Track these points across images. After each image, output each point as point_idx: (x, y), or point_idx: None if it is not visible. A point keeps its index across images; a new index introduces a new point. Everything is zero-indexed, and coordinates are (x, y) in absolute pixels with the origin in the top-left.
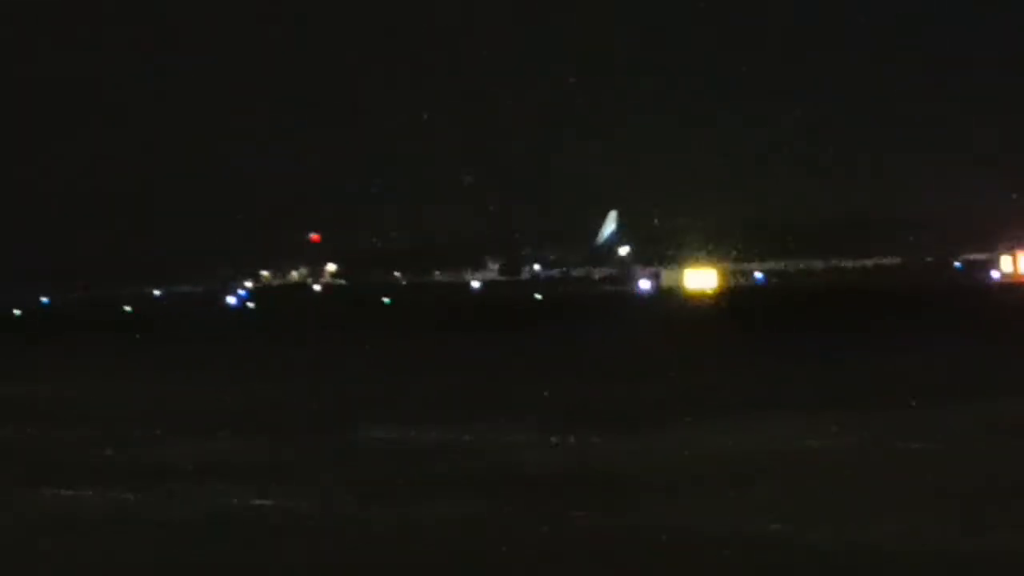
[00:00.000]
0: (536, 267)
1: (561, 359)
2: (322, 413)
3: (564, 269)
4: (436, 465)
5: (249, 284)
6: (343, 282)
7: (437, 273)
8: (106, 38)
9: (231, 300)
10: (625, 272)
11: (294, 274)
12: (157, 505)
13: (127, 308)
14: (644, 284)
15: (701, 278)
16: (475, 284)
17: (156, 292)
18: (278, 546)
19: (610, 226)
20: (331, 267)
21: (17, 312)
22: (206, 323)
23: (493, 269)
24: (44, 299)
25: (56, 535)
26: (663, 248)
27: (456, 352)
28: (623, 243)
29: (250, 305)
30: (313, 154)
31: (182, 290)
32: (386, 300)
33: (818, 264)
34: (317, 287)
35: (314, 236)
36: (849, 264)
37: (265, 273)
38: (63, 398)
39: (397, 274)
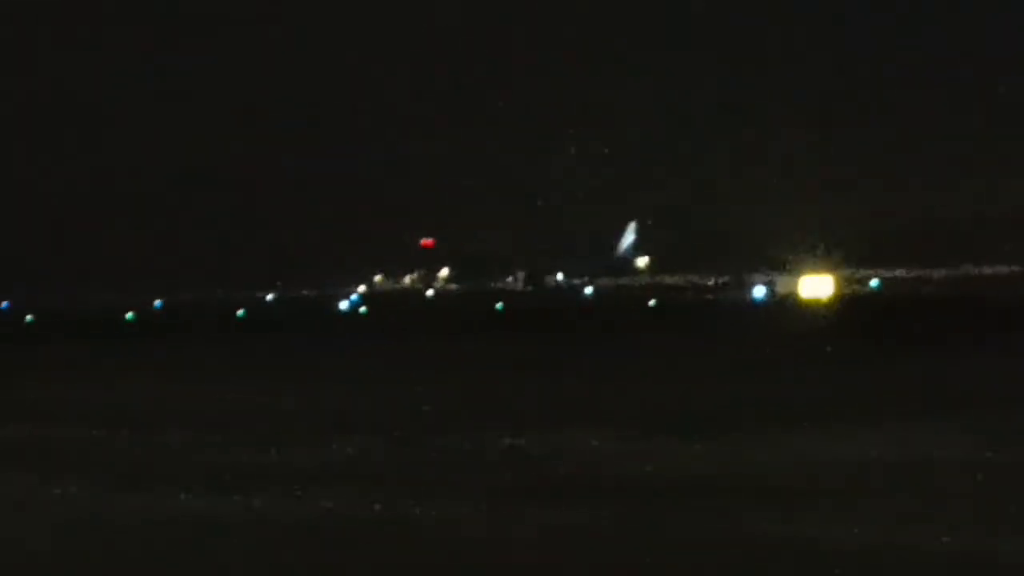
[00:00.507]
0: (560, 277)
1: (677, 365)
2: (438, 417)
3: (585, 279)
4: (548, 470)
5: (362, 288)
6: (455, 287)
7: (551, 278)
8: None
9: (343, 305)
10: (739, 279)
11: (407, 279)
12: (286, 509)
13: (239, 312)
14: (758, 291)
15: (817, 285)
16: (588, 290)
17: (268, 296)
18: (386, 549)
19: (630, 237)
20: (444, 272)
21: (129, 315)
22: (318, 328)
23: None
24: (157, 302)
25: (197, 539)
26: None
27: (571, 357)
28: (641, 253)
29: (362, 310)
30: (428, 159)
31: (293, 295)
32: (498, 306)
33: (939, 272)
34: (430, 292)
35: (427, 241)
36: (969, 271)
37: (378, 278)
38: (184, 402)
39: (510, 280)
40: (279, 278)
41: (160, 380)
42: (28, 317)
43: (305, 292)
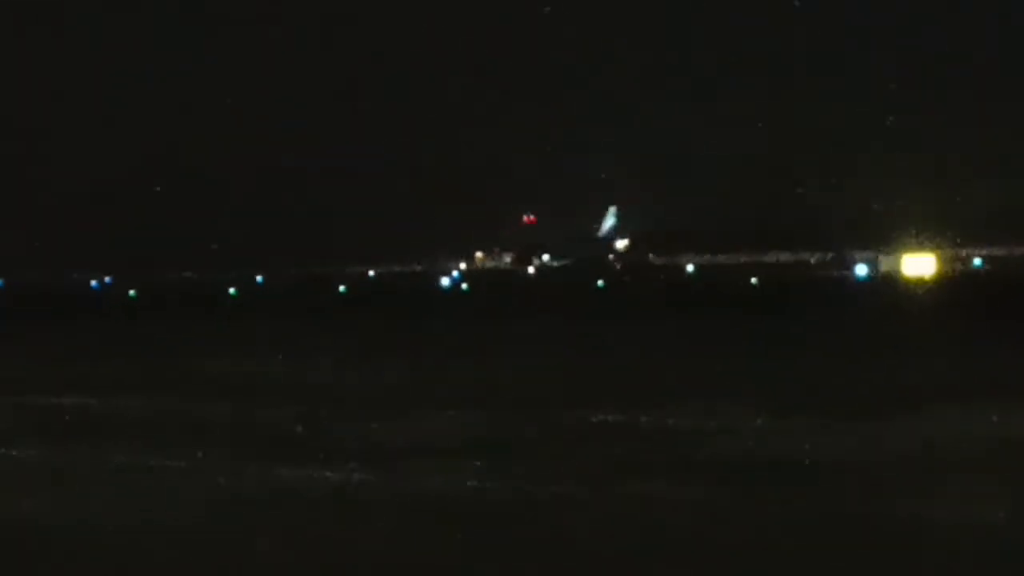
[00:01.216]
0: (545, 257)
1: (792, 342)
2: (542, 394)
3: (572, 259)
4: (656, 448)
5: (463, 266)
6: (556, 264)
7: (652, 256)
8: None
9: (444, 281)
10: (841, 257)
11: (507, 257)
12: (389, 484)
13: (341, 288)
14: (861, 270)
15: (920, 264)
16: (690, 267)
17: (371, 272)
18: (497, 527)
19: (610, 220)
20: (544, 251)
21: (232, 291)
22: (419, 304)
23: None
24: (258, 278)
25: (324, 513)
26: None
27: (680, 334)
28: (621, 235)
29: (463, 287)
30: (529, 138)
31: (395, 270)
32: (600, 283)
33: None
34: (531, 269)
35: (529, 218)
36: None
37: (479, 255)
38: (291, 376)
39: (611, 257)
40: (382, 255)
41: (270, 354)
42: (131, 292)
43: (407, 269)
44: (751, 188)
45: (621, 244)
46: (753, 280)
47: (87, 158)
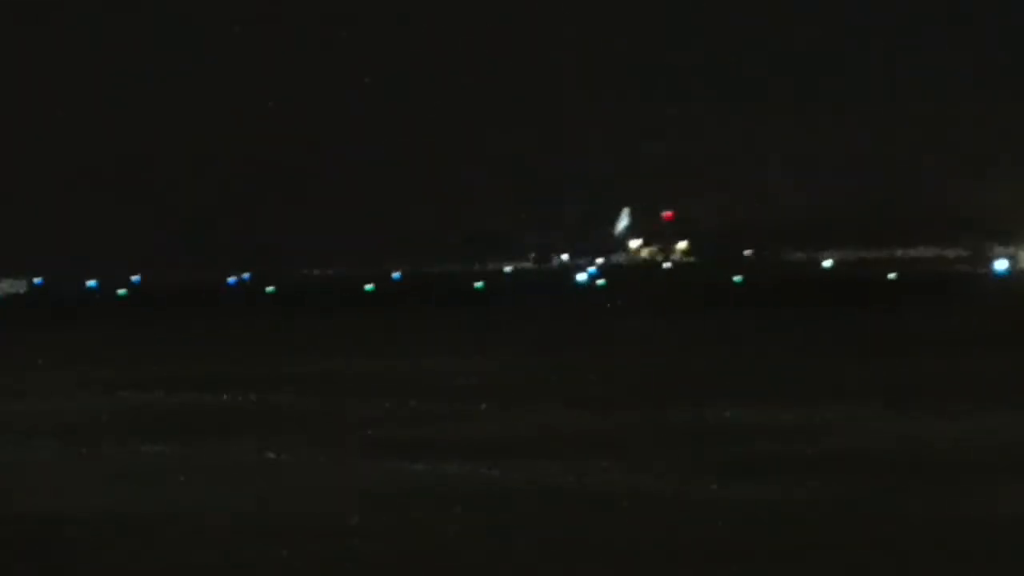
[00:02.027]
0: (564, 257)
1: (915, 337)
2: (674, 388)
3: (590, 258)
4: (776, 444)
5: (599, 261)
6: (692, 260)
7: (798, 252)
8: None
9: (581, 277)
10: (980, 253)
11: (644, 252)
12: (529, 478)
13: (477, 284)
14: (1001, 265)
15: None
16: (826, 263)
17: (507, 269)
18: (606, 520)
19: (624, 221)
20: (682, 245)
21: (369, 287)
22: (555, 299)
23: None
24: (396, 274)
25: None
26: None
27: (813, 330)
28: (634, 236)
29: (600, 282)
30: (669, 131)
31: (532, 267)
32: (736, 279)
33: None
34: (667, 264)
35: (667, 214)
36: None
37: (634, 243)
38: (429, 370)
39: (747, 252)
40: (521, 250)
41: (405, 349)
42: (268, 288)
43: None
44: (876, 183)
45: (634, 244)
46: (891, 275)
47: (207, 159)
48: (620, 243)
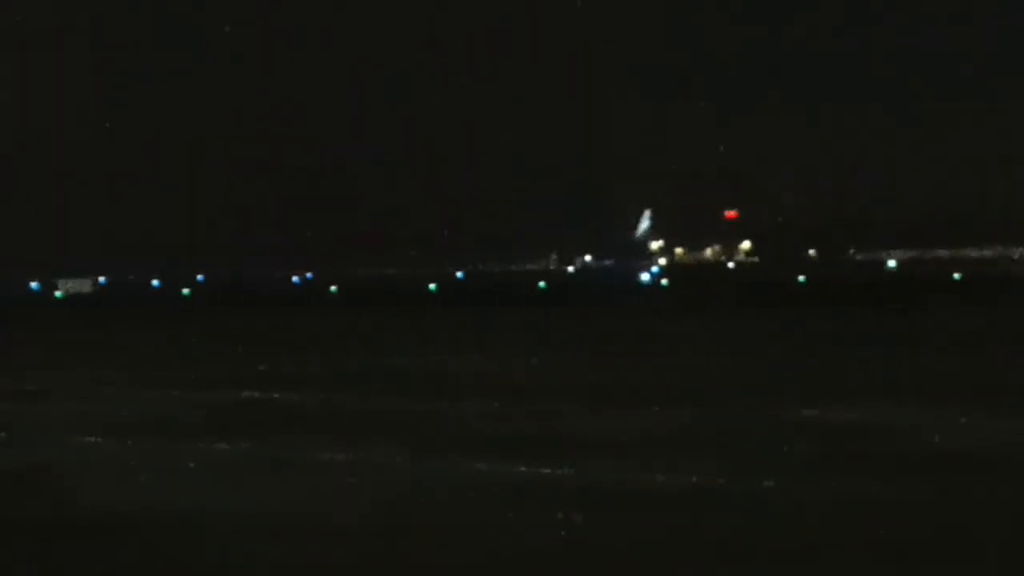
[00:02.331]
0: (587, 258)
1: (983, 339)
2: (745, 389)
3: (612, 260)
4: (870, 444)
5: (662, 261)
6: (756, 259)
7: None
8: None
9: (644, 276)
10: None
11: (708, 251)
12: (611, 478)
13: (541, 284)
14: None
15: None
16: (891, 263)
17: (570, 269)
18: (696, 522)
19: (645, 223)
20: (746, 244)
21: (432, 286)
22: (616, 298)
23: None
24: (459, 274)
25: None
26: None
27: (879, 330)
28: (655, 237)
29: (663, 282)
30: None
31: (589, 266)
32: (800, 278)
33: None
34: (731, 264)
35: (730, 213)
36: None
37: (679, 250)
38: (497, 370)
39: (812, 252)
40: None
41: (472, 348)
42: (332, 288)
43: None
44: (941, 183)
45: (656, 245)
46: (956, 275)
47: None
48: (641, 244)
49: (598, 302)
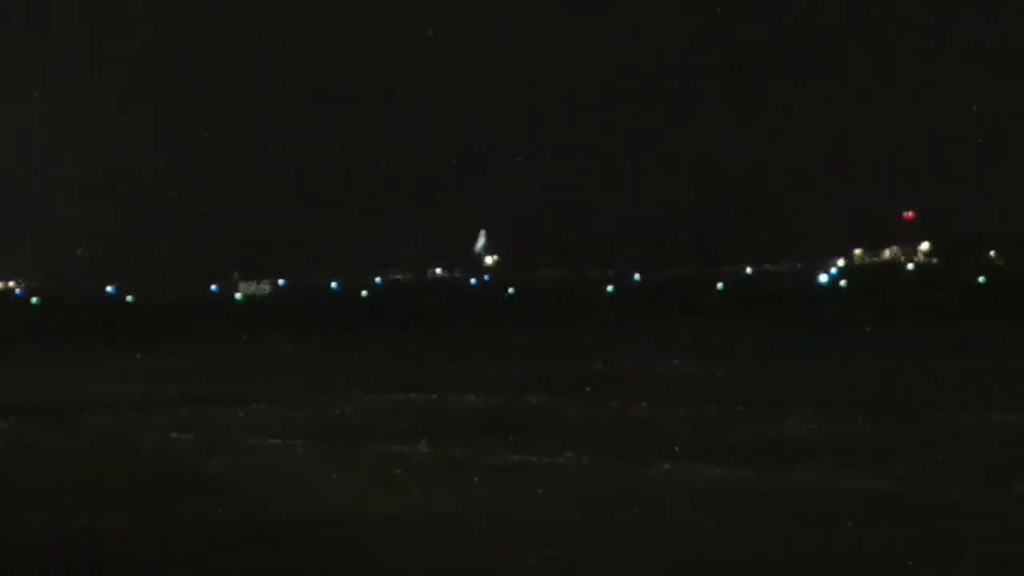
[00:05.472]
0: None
1: None
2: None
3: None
4: None
5: (840, 262)
6: (935, 261)
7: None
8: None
9: (823, 278)
10: None
11: (886, 252)
12: (769, 483)
13: (719, 285)
14: None
15: None
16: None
17: (748, 270)
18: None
19: (481, 240)
20: (924, 246)
21: (610, 288)
22: (797, 301)
23: None
24: (636, 276)
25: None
26: None
27: None
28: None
29: (842, 283)
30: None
31: (768, 268)
32: (981, 279)
33: None
34: (910, 266)
35: (909, 215)
36: None
37: (858, 251)
38: (678, 373)
39: (992, 254)
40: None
41: (655, 351)
42: (509, 290)
43: (789, 266)
44: None
45: (490, 260)
46: None
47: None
48: (479, 260)
49: (776, 306)
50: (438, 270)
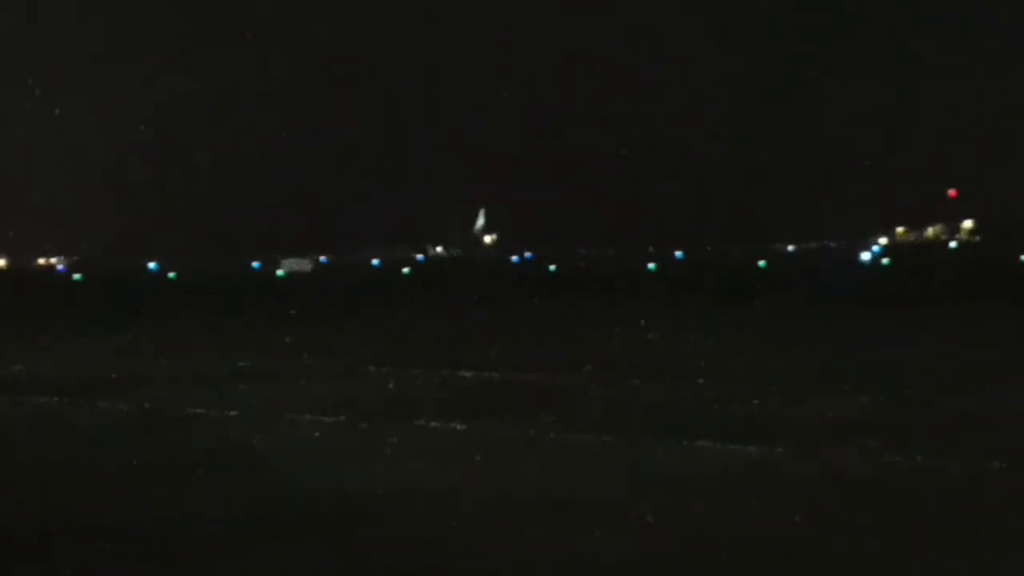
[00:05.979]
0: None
1: None
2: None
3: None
4: None
5: (883, 240)
6: (978, 239)
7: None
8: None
9: (865, 256)
10: None
11: (929, 230)
12: (780, 462)
13: (761, 263)
14: None
15: None
16: None
17: (789, 248)
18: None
19: (480, 220)
20: (967, 224)
21: (652, 266)
22: (838, 280)
23: None
24: (678, 253)
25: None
26: None
27: None
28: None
29: (885, 261)
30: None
31: (810, 247)
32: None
33: None
34: (953, 244)
35: (952, 192)
36: None
37: (900, 229)
38: (707, 354)
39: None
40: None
41: (679, 331)
42: (551, 267)
43: (831, 243)
44: None
45: (488, 239)
46: None
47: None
48: (476, 241)
49: (821, 286)
50: (439, 248)
